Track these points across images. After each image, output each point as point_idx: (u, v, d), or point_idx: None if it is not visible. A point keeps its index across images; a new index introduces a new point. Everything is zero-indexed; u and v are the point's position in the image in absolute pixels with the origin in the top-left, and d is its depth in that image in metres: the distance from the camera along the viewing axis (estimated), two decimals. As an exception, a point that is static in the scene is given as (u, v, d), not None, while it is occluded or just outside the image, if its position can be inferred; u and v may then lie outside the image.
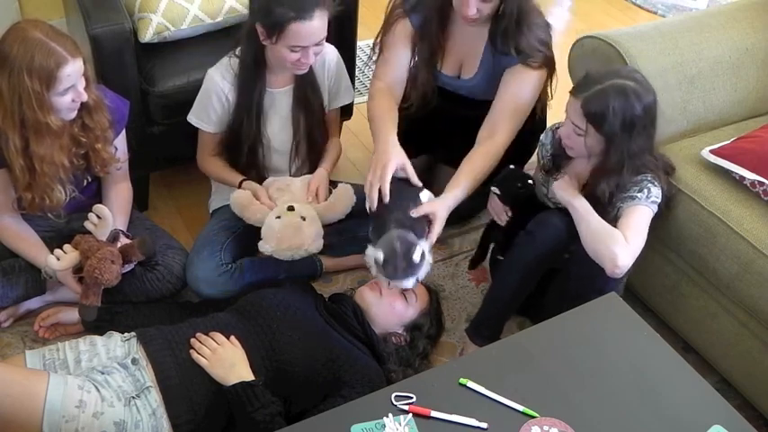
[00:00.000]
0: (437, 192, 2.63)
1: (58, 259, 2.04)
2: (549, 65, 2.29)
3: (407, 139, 2.53)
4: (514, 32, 2.20)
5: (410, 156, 2.63)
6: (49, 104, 1.88)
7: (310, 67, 2.26)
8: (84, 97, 1.94)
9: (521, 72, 2.25)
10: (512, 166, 2.21)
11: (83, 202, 2.16)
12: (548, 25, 2.30)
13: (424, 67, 2.38)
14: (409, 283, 1.99)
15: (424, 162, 2.67)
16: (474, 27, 2.27)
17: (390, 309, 2.12)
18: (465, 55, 2.38)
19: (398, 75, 2.36)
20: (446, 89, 2.44)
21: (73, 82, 1.89)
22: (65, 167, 2.01)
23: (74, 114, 1.97)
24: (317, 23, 2.06)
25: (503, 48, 2.24)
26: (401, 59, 2.35)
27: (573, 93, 1.95)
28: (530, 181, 2.16)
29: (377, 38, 2.39)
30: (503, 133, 2.25)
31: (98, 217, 2.08)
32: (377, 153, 2.16)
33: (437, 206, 2.11)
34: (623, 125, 1.88)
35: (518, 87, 2.27)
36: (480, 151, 2.24)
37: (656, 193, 1.96)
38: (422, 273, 2.00)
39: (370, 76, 3.39)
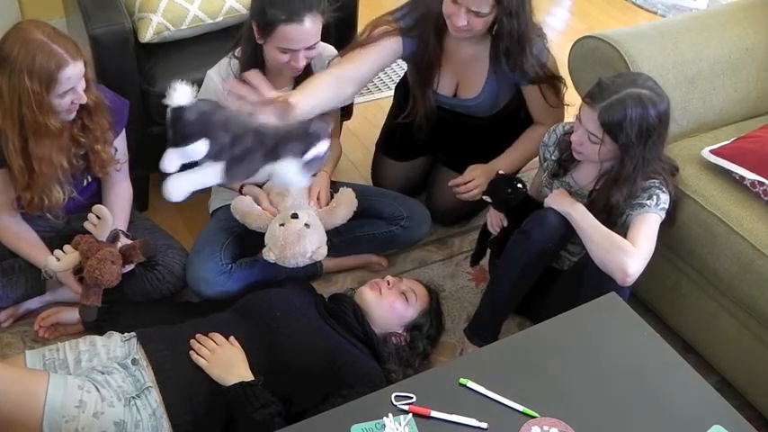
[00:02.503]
0: (437, 194, 2.62)
1: (58, 260, 2.04)
2: (550, 81, 2.28)
3: (407, 141, 2.54)
4: (517, 52, 2.16)
5: (410, 157, 2.63)
6: (49, 106, 1.88)
7: (310, 68, 2.26)
8: (84, 99, 1.94)
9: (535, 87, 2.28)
10: (501, 172, 2.20)
11: (82, 202, 2.17)
12: (542, 36, 2.25)
13: (421, 88, 2.34)
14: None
15: (425, 162, 2.67)
16: (471, 44, 2.23)
17: (390, 309, 2.12)
18: (462, 75, 2.35)
19: (362, 74, 2.19)
20: (443, 107, 2.42)
21: (73, 84, 1.89)
22: (63, 168, 2.01)
23: (73, 115, 1.97)
24: (308, 27, 2.06)
25: (508, 67, 2.22)
26: (372, 66, 2.20)
27: (588, 102, 1.93)
28: (519, 185, 2.15)
29: (359, 35, 2.28)
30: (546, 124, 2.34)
31: (97, 217, 2.07)
32: None
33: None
34: (639, 134, 1.87)
35: (541, 96, 2.30)
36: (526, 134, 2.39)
37: (665, 199, 1.96)
38: None
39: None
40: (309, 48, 2.12)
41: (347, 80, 2.13)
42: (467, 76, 2.34)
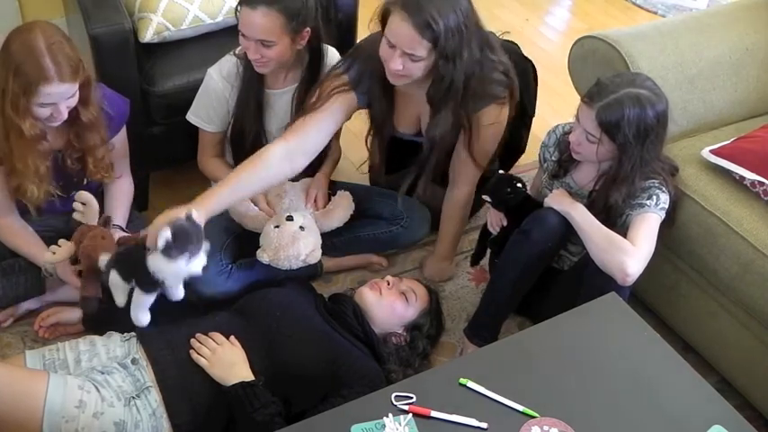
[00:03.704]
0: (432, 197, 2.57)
1: (54, 253, 2.05)
2: (507, 95, 2.12)
3: (389, 157, 2.49)
4: (446, 101, 2.01)
5: (397, 169, 2.58)
6: (26, 110, 1.87)
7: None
8: (64, 116, 1.91)
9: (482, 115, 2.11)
10: (501, 172, 2.20)
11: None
12: (496, 93, 2.08)
13: (379, 133, 2.27)
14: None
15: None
16: (422, 86, 2.05)
17: (390, 309, 2.12)
18: (422, 113, 2.21)
19: (313, 143, 2.09)
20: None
21: (53, 101, 1.87)
22: (39, 173, 1.99)
23: (56, 125, 1.96)
24: (257, 17, 2.05)
25: (444, 108, 2.04)
26: (327, 129, 2.11)
27: (586, 101, 1.92)
28: (519, 185, 2.15)
29: (309, 98, 2.15)
30: (464, 183, 2.29)
31: (82, 204, 2.08)
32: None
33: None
34: (637, 134, 1.87)
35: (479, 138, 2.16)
36: (447, 215, 2.37)
37: (665, 199, 1.96)
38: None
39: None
40: (264, 44, 2.09)
41: (297, 153, 2.05)
42: (426, 115, 2.19)
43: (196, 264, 1.83)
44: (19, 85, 1.83)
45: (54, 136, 2.03)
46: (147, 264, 1.80)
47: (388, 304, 2.12)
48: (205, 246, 1.85)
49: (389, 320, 2.11)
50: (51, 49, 1.83)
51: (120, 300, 1.92)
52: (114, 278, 1.91)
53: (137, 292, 1.88)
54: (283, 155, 2.02)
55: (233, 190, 1.97)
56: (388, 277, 2.20)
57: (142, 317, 1.90)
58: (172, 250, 1.77)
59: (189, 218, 1.80)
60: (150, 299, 1.88)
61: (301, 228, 2.15)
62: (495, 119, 2.12)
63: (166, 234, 1.75)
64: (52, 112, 1.89)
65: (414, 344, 2.12)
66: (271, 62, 2.15)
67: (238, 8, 2.10)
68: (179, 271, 1.81)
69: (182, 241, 1.77)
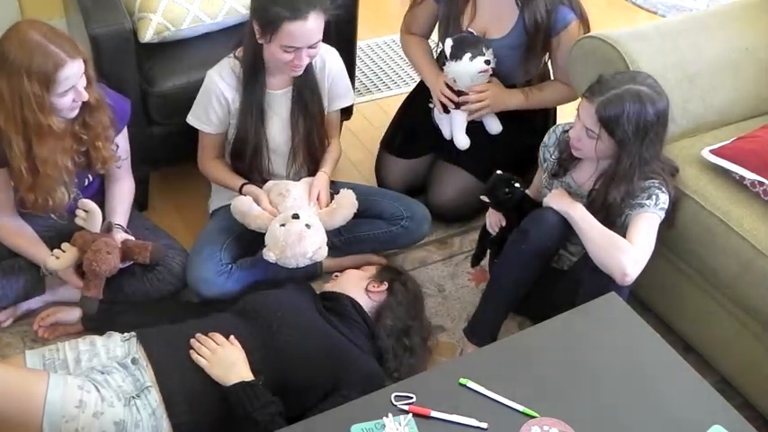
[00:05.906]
0: (438, 190, 2.62)
1: (58, 258, 2.04)
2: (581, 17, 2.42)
3: (412, 138, 2.53)
4: None
5: (414, 155, 2.64)
6: (50, 106, 1.88)
7: (310, 69, 2.26)
8: (85, 97, 1.94)
9: (562, 37, 2.38)
10: (499, 172, 2.20)
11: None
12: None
13: (448, 25, 2.44)
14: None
15: (428, 162, 2.66)
16: None
17: (354, 275, 2.22)
18: (492, 14, 2.39)
19: (426, 30, 2.60)
20: None
21: (73, 83, 1.89)
22: (68, 170, 2.01)
23: (75, 113, 1.97)
24: (312, 25, 2.06)
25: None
26: (429, 16, 2.53)
27: (587, 96, 1.93)
28: (517, 185, 2.15)
29: None
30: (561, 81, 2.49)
31: (85, 211, 2.08)
32: (428, 79, 2.53)
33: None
34: (636, 131, 1.87)
35: (564, 50, 2.38)
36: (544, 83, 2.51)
37: (664, 199, 1.96)
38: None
39: (370, 75, 3.41)
40: (312, 46, 2.12)
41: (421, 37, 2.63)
42: (497, 15, 2.38)
43: (477, 62, 2.32)
44: (37, 82, 1.84)
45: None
46: (446, 72, 2.39)
47: (350, 274, 2.23)
48: (487, 50, 2.34)
49: (362, 281, 2.17)
50: (48, 36, 1.85)
51: (447, 132, 2.49)
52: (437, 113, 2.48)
53: (453, 114, 2.44)
54: (416, 38, 2.61)
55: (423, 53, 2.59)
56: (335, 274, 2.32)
57: (463, 138, 2.46)
58: (457, 52, 2.32)
59: (467, 31, 2.37)
60: (464, 118, 2.44)
61: (307, 226, 2.15)
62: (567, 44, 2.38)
63: (449, 42, 2.33)
64: (74, 97, 1.91)
65: (395, 294, 2.14)
66: (310, 59, 2.20)
67: (280, 26, 2.04)
68: (467, 68, 2.33)
69: (460, 44, 2.33)
